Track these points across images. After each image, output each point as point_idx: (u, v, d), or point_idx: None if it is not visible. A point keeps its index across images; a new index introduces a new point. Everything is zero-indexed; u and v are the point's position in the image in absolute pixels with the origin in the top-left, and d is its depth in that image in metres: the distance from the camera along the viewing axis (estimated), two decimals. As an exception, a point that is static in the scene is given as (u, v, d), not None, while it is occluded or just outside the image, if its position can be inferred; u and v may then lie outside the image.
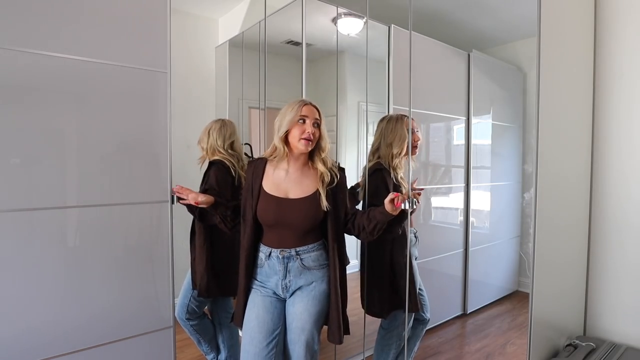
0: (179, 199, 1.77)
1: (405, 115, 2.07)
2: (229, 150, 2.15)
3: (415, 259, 2.13)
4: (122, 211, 1.66)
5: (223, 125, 2.19)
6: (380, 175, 1.99)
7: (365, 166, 2.12)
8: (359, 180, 2.23)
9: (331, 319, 1.64)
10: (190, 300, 2.16)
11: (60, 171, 1.53)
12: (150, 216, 1.73)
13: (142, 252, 1.72)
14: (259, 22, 2.62)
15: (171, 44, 1.74)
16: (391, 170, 2.01)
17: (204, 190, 2.03)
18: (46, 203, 1.49)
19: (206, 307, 2.28)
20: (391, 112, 2.51)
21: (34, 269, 1.47)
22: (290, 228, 1.62)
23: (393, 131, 2.04)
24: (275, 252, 1.63)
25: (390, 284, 2.02)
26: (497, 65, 3.07)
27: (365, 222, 1.64)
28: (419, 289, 2.13)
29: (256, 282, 1.68)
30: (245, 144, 2.84)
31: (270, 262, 1.64)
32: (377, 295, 2.04)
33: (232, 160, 2.12)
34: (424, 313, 2.17)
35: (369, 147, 2.22)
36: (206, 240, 2.09)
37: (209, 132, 2.17)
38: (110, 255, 1.64)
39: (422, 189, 1.63)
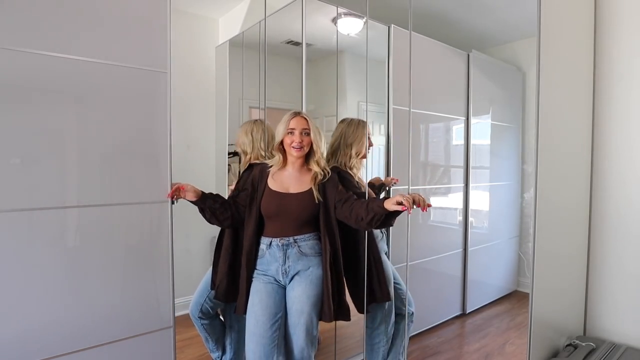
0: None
1: (365, 121, 2.22)
2: (272, 152, 2.15)
3: (385, 253, 2.21)
4: (122, 211, 1.65)
5: (262, 126, 2.21)
6: (342, 176, 2.06)
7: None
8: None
9: (323, 300, 1.82)
10: (205, 300, 2.17)
11: (60, 171, 1.52)
12: (150, 216, 1.73)
13: (142, 252, 1.72)
14: (259, 22, 2.62)
15: (171, 44, 1.74)
16: (347, 170, 2.13)
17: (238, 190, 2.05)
18: (46, 203, 1.48)
19: (219, 309, 2.29)
20: (391, 113, 2.53)
21: (34, 269, 1.47)
22: (289, 218, 1.83)
23: (354, 133, 2.18)
24: (276, 241, 1.82)
25: (362, 278, 2.06)
26: (496, 65, 3.08)
27: (363, 213, 1.75)
28: (396, 282, 2.22)
29: (258, 271, 1.85)
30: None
31: (271, 250, 1.83)
32: (354, 292, 2.07)
33: None
34: (403, 307, 2.21)
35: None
36: (232, 243, 2.09)
37: (251, 134, 2.18)
38: (110, 255, 1.63)
39: (429, 205, 1.69)
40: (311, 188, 1.85)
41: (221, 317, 2.32)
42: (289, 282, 1.83)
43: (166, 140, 1.75)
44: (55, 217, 1.51)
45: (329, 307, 1.81)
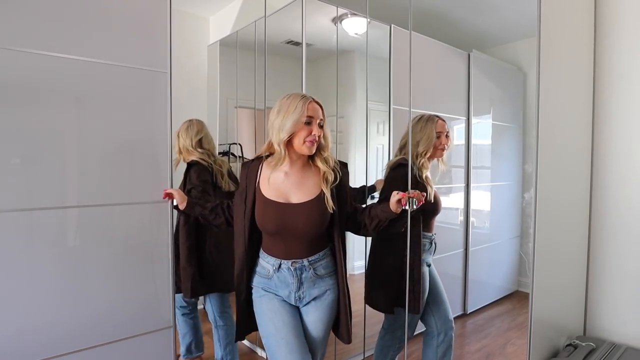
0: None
1: (437, 116, 2.06)
2: (198, 149, 2.21)
3: (428, 265, 2.07)
4: (122, 211, 1.66)
5: (190, 125, 2.25)
6: (402, 171, 1.95)
7: (389, 161, 2.12)
8: (377, 179, 2.25)
9: (341, 322, 1.60)
10: None
11: (60, 171, 1.52)
12: (150, 216, 1.73)
13: (142, 252, 1.72)
14: (255, 21, 2.61)
15: (172, 43, 1.74)
16: (414, 168, 1.98)
17: (188, 190, 2.07)
18: (46, 203, 1.49)
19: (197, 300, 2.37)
20: (392, 112, 2.53)
21: (34, 269, 1.47)
22: (295, 236, 1.50)
23: (422, 130, 2.03)
24: (286, 264, 1.51)
25: (399, 282, 1.99)
26: (497, 65, 3.07)
27: (367, 219, 1.60)
28: (439, 297, 2.09)
29: (263, 289, 1.57)
30: (237, 144, 2.85)
31: (280, 274, 1.52)
32: (383, 291, 2.04)
33: (206, 159, 2.18)
34: (435, 324, 2.08)
35: (378, 147, 2.21)
36: (192, 240, 2.13)
37: (178, 134, 2.23)
38: (110, 255, 1.63)
39: (423, 194, 1.61)
40: (319, 195, 1.50)
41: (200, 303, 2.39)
42: (303, 306, 1.56)
43: (166, 140, 1.75)
44: (55, 217, 1.51)
45: (348, 330, 1.60)
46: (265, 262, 1.55)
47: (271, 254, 1.54)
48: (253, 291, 1.59)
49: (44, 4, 1.46)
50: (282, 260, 1.51)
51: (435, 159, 2.11)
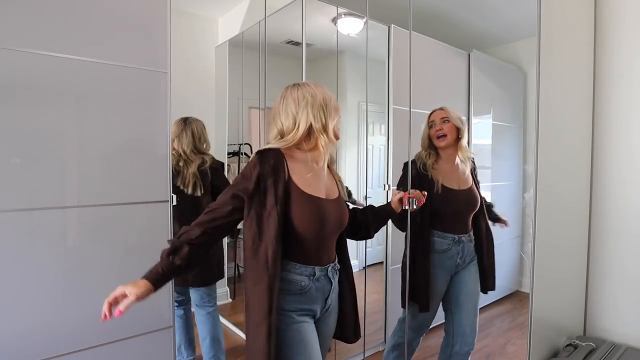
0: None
1: (436, 109, 2.05)
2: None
3: (452, 271, 2.07)
4: (122, 211, 1.66)
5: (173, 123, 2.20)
6: (409, 167, 1.97)
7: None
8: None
9: (347, 322, 1.46)
10: None
11: (60, 171, 1.53)
12: (150, 216, 1.73)
13: (142, 252, 1.72)
14: (259, 22, 2.62)
15: (171, 44, 1.74)
16: (418, 162, 1.99)
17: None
18: (46, 203, 1.49)
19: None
20: (391, 113, 2.53)
21: (34, 269, 1.47)
22: (334, 236, 1.36)
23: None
24: (324, 270, 1.32)
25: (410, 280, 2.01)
26: (497, 65, 3.07)
27: (370, 221, 1.55)
28: (465, 311, 2.07)
29: (295, 311, 1.29)
30: (246, 144, 2.85)
31: (319, 283, 1.31)
32: (403, 286, 2.05)
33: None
34: (452, 334, 2.06)
35: (369, 147, 2.22)
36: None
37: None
38: (110, 255, 1.64)
39: (423, 193, 1.62)
40: (339, 187, 1.41)
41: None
42: (322, 317, 1.38)
43: (166, 140, 1.75)
44: (55, 217, 1.52)
45: (355, 329, 1.48)
46: (298, 275, 1.28)
47: (305, 262, 1.29)
48: (280, 317, 1.26)
49: (45, 4, 1.46)
50: (318, 267, 1.30)
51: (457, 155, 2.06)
